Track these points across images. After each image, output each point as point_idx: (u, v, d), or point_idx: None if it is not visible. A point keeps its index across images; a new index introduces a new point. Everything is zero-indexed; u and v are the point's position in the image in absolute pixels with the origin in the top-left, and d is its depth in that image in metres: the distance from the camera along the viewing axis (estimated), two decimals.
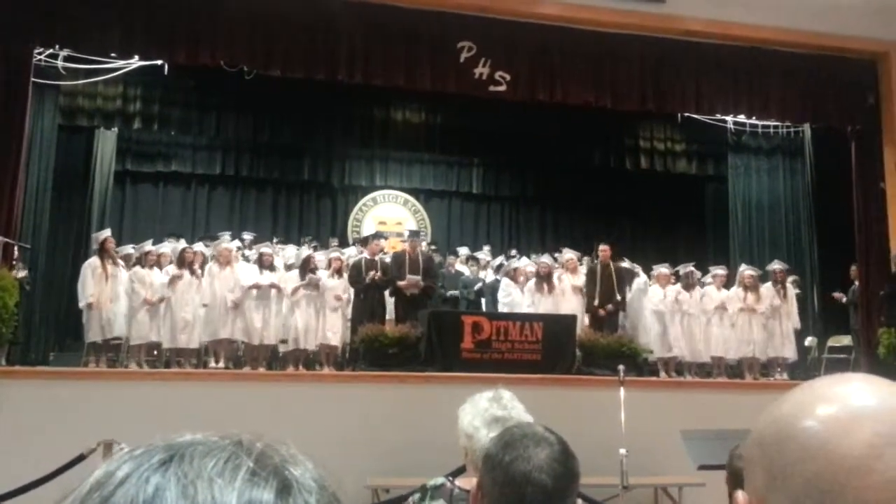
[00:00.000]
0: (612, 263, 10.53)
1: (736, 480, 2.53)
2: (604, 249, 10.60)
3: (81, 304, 9.44)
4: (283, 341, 10.32)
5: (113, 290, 9.47)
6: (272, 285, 9.86)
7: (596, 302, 10.31)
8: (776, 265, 11.03)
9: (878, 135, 10.49)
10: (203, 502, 0.51)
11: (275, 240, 12.60)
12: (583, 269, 11.21)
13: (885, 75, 10.55)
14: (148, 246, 10.15)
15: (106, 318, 9.33)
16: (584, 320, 10.47)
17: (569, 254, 11.36)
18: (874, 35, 10.15)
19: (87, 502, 0.52)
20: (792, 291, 10.96)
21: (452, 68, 9.67)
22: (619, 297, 10.41)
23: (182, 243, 10.76)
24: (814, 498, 0.66)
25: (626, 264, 11.40)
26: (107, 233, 9.85)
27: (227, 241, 10.78)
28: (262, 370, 9.56)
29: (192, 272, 9.77)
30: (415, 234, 11.13)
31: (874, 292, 10.19)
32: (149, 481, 0.52)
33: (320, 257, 10.84)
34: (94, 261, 9.48)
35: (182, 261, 9.79)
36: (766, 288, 10.79)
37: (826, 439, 0.68)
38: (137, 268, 9.67)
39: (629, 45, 10.01)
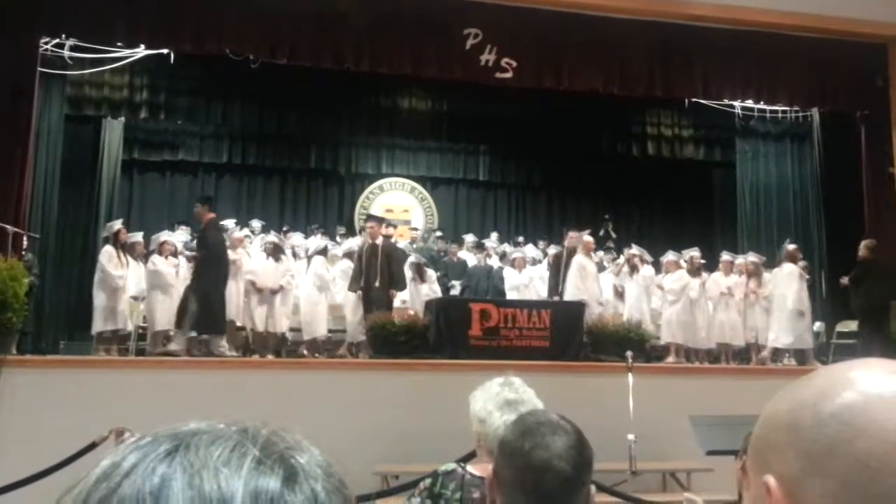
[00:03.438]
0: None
1: None
2: (573, 237, 10.47)
3: (116, 285, 9.41)
4: (293, 330, 10.42)
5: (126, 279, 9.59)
6: (274, 292, 10.03)
7: (560, 289, 10.12)
8: (789, 246, 11.03)
9: (887, 119, 10.42)
10: (209, 492, 0.51)
11: (283, 228, 12.62)
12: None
13: (895, 59, 10.47)
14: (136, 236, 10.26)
15: (120, 309, 9.40)
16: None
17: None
18: (883, 19, 10.06)
19: (93, 493, 0.52)
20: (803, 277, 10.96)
21: (458, 55, 9.64)
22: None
23: (181, 234, 10.81)
24: (865, 476, 0.65)
25: (634, 250, 11.37)
26: (119, 224, 9.90)
27: (237, 231, 10.84)
28: (270, 357, 9.61)
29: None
30: (376, 220, 10.60)
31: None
32: (155, 472, 0.52)
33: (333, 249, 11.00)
34: (109, 249, 9.51)
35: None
36: (773, 273, 10.80)
37: (874, 416, 0.66)
38: (108, 247, 9.61)
39: (636, 31, 9.95)
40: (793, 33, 10.21)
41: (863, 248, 10.41)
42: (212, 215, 9.40)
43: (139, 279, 9.85)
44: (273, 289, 10.04)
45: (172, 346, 9.03)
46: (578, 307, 9.69)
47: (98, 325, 9.31)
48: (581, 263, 10.41)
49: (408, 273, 11.14)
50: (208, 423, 0.56)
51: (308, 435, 0.59)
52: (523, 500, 1.61)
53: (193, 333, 9.11)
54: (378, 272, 9.61)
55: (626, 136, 14.61)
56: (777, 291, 10.39)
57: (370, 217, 10.93)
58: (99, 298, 9.32)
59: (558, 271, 10.22)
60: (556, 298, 10.01)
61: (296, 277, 10.51)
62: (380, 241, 9.92)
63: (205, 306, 8.89)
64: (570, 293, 10.13)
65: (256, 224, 12.42)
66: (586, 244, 10.79)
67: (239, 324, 10.00)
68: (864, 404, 0.68)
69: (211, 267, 9.10)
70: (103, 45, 10.27)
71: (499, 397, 2.35)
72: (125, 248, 9.68)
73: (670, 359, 10.19)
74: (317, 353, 10.10)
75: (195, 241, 9.65)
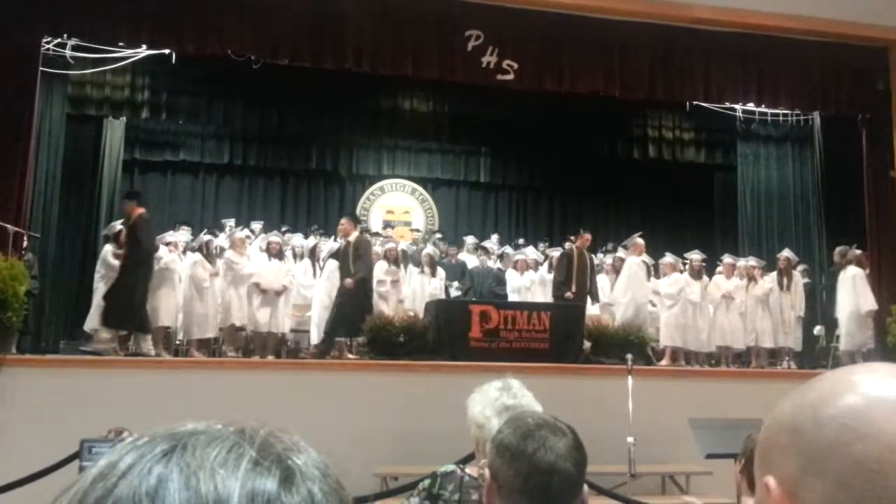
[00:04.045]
0: (585, 252, 10.46)
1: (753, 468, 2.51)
2: (586, 238, 10.51)
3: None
4: (295, 331, 10.42)
5: None
6: (278, 293, 10.02)
7: (574, 288, 10.09)
8: (785, 254, 11.03)
9: (888, 122, 10.42)
10: (205, 493, 0.51)
11: (283, 228, 12.62)
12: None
13: None
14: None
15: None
16: None
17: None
18: (885, 22, 10.07)
19: (90, 493, 0.52)
20: (798, 279, 10.98)
21: (460, 57, 9.64)
22: (589, 287, 10.34)
23: (182, 234, 10.81)
24: (863, 478, 0.65)
25: (620, 253, 11.42)
26: (119, 224, 9.90)
27: (238, 231, 10.84)
28: (270, 358, 9.61)
29: (210, 260, 9.89)
30: (349, 218, 10.40)
31: (885, 282, 10.18)
32: (151, 472, 0.52)
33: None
34: (111, 248, 9.53)
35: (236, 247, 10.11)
36: (770, 277, 10.82)
37: (874, 418, 0.66)
38: (109, 245, 9.61)
39: (638, 33, 9.95)
40: (794, 37, 10.21)
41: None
42: (141, 210, 9.09)
43: None
44: (277, 290, 10.04)
45: (99, 346, 8.67)
46: (578, 310, 9.70)
47: (95, 322, 9.32)
48: (637, 265, 10.46)
49: (414, 270, 11.18)
50: (206, 424, 0.56)
51: (307, 436, 0.58)
52: (526, 502, 1.61)
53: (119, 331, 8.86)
54: (350, 269, 9.56)
55: (628, 139, 14.62)
56: (840, 295, 10.38)
57: (344, 216, 10.82)
58: (100, 296, 9.33)
59: (569, 271, 10.21)
60: (568, 295, 10.01)
61: (296, 277, 10.55)
62: (352, 237, 9.84)
63: (130, 304, 8.60)
64: (623, 295, 10.33)
65: (256, 225, 12.41)
66: (638, 246, 10.79)
67: (238, 324, 10.00)
68: (866, 407, 0.68)
69: (139, 264, 8.85)
70: (105, 45, 10.28)
71: (497, 403, 2.34)
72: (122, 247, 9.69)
73: (664, 361, 10.20)
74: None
75: (125, 237, 9.21)
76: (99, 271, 9.52)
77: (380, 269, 10.32)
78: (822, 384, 0.73)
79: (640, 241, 11.00)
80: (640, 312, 10.40)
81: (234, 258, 9.99)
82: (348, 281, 9.41)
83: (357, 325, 9.16)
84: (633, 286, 10.56)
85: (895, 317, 9.79)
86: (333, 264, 10.20)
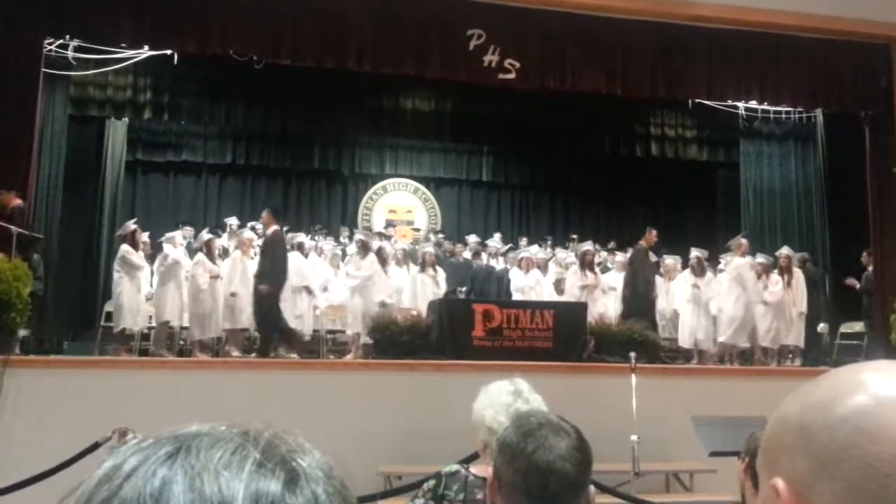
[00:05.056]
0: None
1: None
2: (653, 234, 10.50)
3: (139, 279, 9.59)
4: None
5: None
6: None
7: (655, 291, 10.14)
8: (784, 251, 11.02)
9: (891, 119, 10.39)
10: (210, 495, 0.51)
11: (284, 228, 12.61)
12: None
13: None
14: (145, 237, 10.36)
15: (136, 308, 9.48)
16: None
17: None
18: (887, 19, 10.04)
19: (95, 495, 0.52)
20: (799, 275, 10.96)
21: (462, 56, 9.63)
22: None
23: (184, 232, 10.84)
24: (876, 482, 0.64)
25: (587, 245, 11.45)
26: (133, 224, 9.93)
27: (244, 231, 10.82)
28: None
29: (213, 260, 9.89)
30: (271, 210, 10.28)
31: (888, 279, 10.16)
32: (156, 474, 0.52)
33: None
34: (128, 247, 9.56)
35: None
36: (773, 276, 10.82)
37: (885, 420, 0.65)
38: (125, 245, 9.64)
39: (640, 32, 9.94)
40: (796, 34, 10.19)
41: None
42: (17, 201, 8.36)
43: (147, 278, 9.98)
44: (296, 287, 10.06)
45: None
46: (581, 308, 9.69)
47: (128, 321, 9.37)
48: (744, 267, 10.39)
49: (414, 268, 11.16)
50: (210, 426, 0.56)
51: (311, 436, 0.58)
52: (526, 502, 1.61)
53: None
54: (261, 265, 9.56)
55: (630, 137, 14.61)
56: None
57: (266, 209, 10.60)
58: (125, 295, 9.38)
59: (641, 271, 10.16)
60: (655, 295, 10.02)
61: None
62: (270, 231, 9.75)
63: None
64: (732, 299, 10.22)
65: (259, 226, 12.39)
66: (742, 246, 10.67)
67: (243, 326, 9.98)
68: (876, 408, 0.67)
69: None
70: (107, 46, 10.29)
71: (511, 409, 2.33)
72: (137, 248, 9.74)
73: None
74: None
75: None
76: (118, 271, 9.54)
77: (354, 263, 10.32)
78: (830, 383, 0.72)
79: (745, 241, 10.74)
80: (749, 316, 10.17)
81: (241, 258, 9.98)
82: (262, 287, 9.34)
83: (275, 321, 9.25)
84: (740, 289, 10.30)
85: None
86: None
